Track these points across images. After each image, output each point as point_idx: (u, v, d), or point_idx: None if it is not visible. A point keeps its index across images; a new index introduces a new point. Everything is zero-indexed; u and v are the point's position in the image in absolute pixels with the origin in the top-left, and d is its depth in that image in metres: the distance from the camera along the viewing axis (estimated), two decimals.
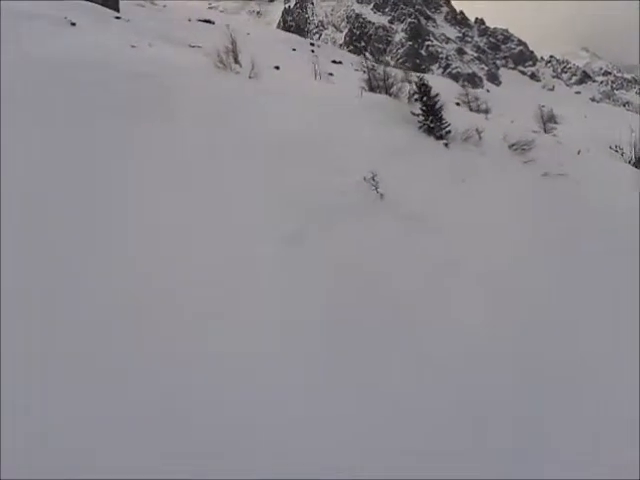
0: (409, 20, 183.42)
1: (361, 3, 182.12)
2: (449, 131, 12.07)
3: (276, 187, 7.58)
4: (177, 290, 5.16)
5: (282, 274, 5.91)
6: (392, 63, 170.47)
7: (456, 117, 12.83)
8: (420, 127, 12.10)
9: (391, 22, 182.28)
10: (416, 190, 8.91)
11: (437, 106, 12.32)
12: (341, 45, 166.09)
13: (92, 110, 8.39)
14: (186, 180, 7.09)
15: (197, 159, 7.72)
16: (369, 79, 15.62)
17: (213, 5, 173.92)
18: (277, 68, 21.70)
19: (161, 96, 9.34)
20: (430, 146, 11.37)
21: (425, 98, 12.43)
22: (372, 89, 15.38)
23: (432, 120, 12.02)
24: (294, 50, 41.21)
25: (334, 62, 40.23)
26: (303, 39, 67.94)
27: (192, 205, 6.61)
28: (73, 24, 15.34)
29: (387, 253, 6.96)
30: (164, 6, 44.90)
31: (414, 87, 13.33)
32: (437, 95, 12.51)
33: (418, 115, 12.29)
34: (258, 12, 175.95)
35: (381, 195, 8.21)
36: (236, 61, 13.74)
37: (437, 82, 17.77)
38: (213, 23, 40.29)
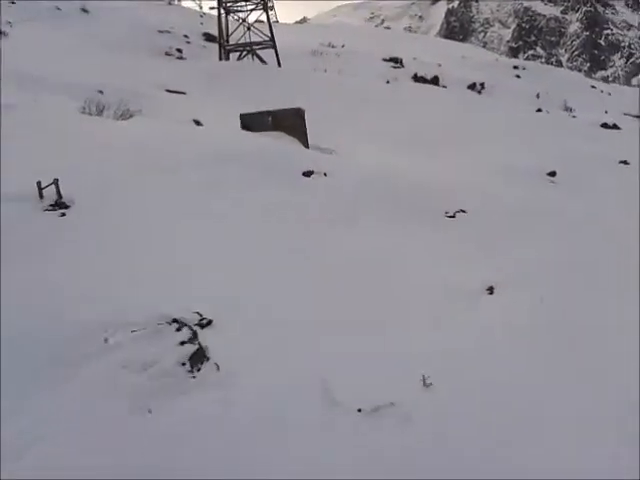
0: (584, 9, 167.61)
1: None
2: None
3: None
4: None
5: None
6: (566, 56, 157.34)
7: None
8: None
9: (564, 12, 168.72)
10: None
11: None
12: (508, 41, 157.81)
13: None
14: None
15: None
16: None
17: (375, 14, 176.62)
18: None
19: None
20: None
21: None
22: None
23: None
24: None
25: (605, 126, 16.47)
26: (506, 60, 52.23)
27: None
28: None
29: None
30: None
31: None
32: None
33: None
34: (420, 16, 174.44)
35: None
36: None
37: None
38: (439, 83, 25.02)
